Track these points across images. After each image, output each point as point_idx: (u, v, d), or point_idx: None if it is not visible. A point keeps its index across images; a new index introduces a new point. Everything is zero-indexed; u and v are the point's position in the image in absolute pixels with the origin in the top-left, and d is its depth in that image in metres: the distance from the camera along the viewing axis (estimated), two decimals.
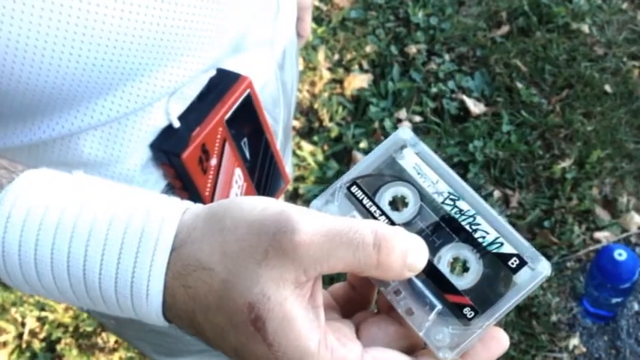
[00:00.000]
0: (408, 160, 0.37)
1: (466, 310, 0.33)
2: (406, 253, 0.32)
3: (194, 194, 0.55)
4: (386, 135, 1.73)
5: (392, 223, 0.35)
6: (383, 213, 0.36)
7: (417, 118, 1.76)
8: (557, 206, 1.59)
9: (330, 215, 0.32)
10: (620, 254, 1.30)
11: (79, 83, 0.46)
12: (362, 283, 0.37)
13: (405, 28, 1.94)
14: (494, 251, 0.34)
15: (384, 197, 0.36)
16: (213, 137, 0.55)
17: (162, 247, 0.32)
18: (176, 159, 0.53)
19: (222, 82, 0.55)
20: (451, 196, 0.35)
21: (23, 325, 1.50)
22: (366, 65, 1.87)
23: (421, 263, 0.33)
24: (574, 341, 1.42)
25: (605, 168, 1.64)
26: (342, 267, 0.31)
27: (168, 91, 0.51)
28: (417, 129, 1.75)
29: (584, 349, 1.41)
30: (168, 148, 0.53)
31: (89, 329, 1.48)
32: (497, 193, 1.63)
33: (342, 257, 0.31)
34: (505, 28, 1.92)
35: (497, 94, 1.78)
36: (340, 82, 1.85)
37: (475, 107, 1.77)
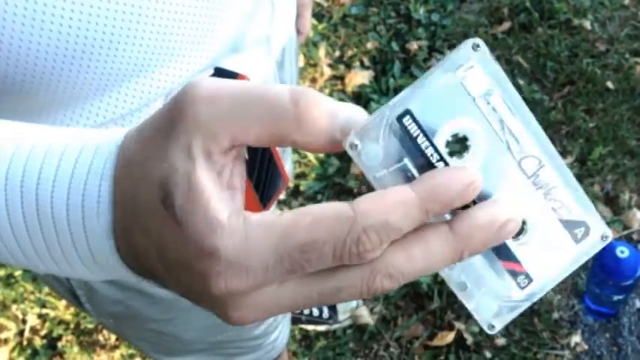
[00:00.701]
0: (478, 85, 0.28)
1: (520, 279, 0.30)
2: (335, 110, 0.26)
3: None
4: None
5: None
6: (441, 158, 0.28)
7: None
8: None
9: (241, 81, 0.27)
10: (622, 251, 1.30)
11: (74, 85, 0.46)
12: None
13: (406, 25, 1.93)
14: (562, 218, 0.30)
15: (443, 136, 0.28)
16: None
17: (109, 157, 0.29)
18: None
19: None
20: (525, 145, 0.29)
21: (24, 322, 1.49)
22: (367, 62, 1.87)
23: (357, 120, 0.27)
24: (576, 339, 1.41)
25: (607, 165, 1.64)
26: (257, 130, 0.26)
27: (164, 91, 0.51)
28: None
29: (585, 347, 1.41)
30: None
31: (90, 326, 1.48)
32: None
33: (255, 114, 0.26)
34: (506, 25, 1.91)
35: None
36: (341, 78, 1.84)
37: None
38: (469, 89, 0.28)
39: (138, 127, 0.29)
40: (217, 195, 0.26)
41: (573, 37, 1.87)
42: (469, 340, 1.42)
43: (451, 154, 0.29)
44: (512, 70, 1.81)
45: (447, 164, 0.28)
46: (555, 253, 0.30)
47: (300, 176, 1.66)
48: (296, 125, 0.26)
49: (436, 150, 0.28)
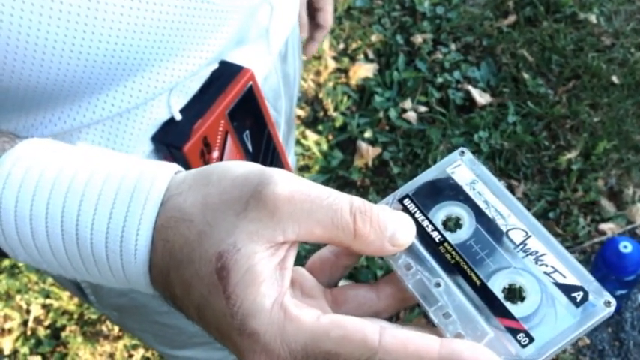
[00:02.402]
0: (464, 177, 0.36)
1: (520, 336, 0.31)
2: (385, 224, 0.31)
3: None
4: (391, 125, 1.73)
5: (445, 241, 0.34)
6: (436, 229, 0.34)
7: (422, 108, 1.75)
8: (563, 198, 1.58)
9: (315, 183, 0.32)
10: (625, 246, 1.30)
11: (81, 79, 0.46)
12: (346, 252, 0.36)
13: (410, 18, 1.92)
14: (557, 282, 0.32)
15: (438, 216, 0.35)
16: (214, 130, 0.54)
17: (152, 200, 0.32)
18: (177, 152, 0.52)
19: (224, 74, 0.55)
20: (510, 219, 0.34)
21: (28, 312, 1.50)
22: (371, 54, 1.87)
23: (404, 236, 0.32)
24: None
25: (611, 159, 1.63)
26: (320, 232, 0.31)
27: (169, 85, 0.51)
28: (422, 119, 1.74)
29: (587, 341, 1.41)
30: (169, 141, 0.53)
31: (94, 317, 1.48)
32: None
33: (321, 221, 0.30)
34: (512, 18, 1.91)
35: (503, 85, 1.77)
36: (345, 71, 1.84)
37: (481, 97, 1.76)
38: (457, 180, 0.36)
39: (196, 184, 0.32)
40: (269, 281, 0.30)
41: (579, 31, 1.87)
42: None
43: (446, 229, 0.34)
44: (516, 63, 1.80)
45: (442, 235, 0.34)
46: (556, 314, 0.31)
47: (303, 169, 1.66)
48: (352, 237, 0.31)
49: (431, 223, 0.34)
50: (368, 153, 1.67)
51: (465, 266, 0.33)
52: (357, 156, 1.67)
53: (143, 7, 0.45)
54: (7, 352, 1.46)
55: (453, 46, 1.86)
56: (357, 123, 1.72)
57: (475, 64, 1.83)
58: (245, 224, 0.30)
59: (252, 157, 0.61)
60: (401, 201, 0.36)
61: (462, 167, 0.36)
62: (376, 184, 1.63)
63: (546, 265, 0.32)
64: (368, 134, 1.71)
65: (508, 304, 0.32)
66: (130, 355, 1.45)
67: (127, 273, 0.33)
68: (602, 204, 1.57)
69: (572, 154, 1.64)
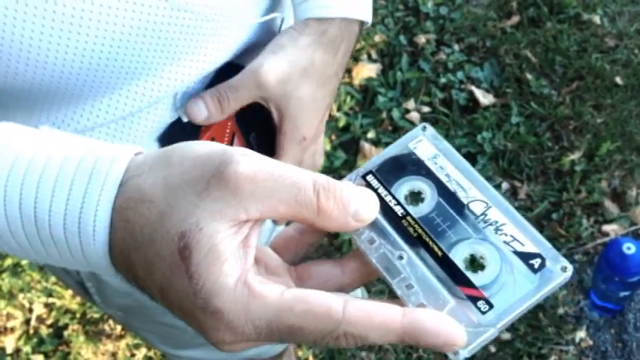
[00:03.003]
0: (426, 152, 0.36)
1: (480, 304, 0.32)
2: (348, 200, 0.31)
3: None
4: (394, 125, 1.72)
5: (408, 214, 0.35)
6: (398, 203, 0.35)
7: (426, 109, 1.75)
8: (566, 199, 1.58)
9: (278, 161, 0.32)
10: (629, 248, 1.30)
11: (84, 82, 0.46)
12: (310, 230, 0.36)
13: (414, 18, 1.92)
14: (516, 250, 0.33)
15: (400, 190, 0.36)
16: (222, 132, 0.54)
17: (111, 181, 0.31)
18: None
19: (230, 74, 0.55)
20: (471, 191, 0.35)
21: (31, 311, 1.50)
22: (374, 55, 1.86)
23: (367, 212, 0.32)
24: (581, 334, 1.41)
25: (614, 161, 1.63)
26: (283, 209, 0.31)
27: (174, 89, 0.51)
28: (425, 119, 1.74)
29: (590, 343, 1.41)
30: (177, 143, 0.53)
31: (96, 316, 1.48)
32: (505, 185, 1.62)
33: (284, 198, 0.30)
34: (515, 19, 1.90)
35: (507, 85, 1.77)
36: (348, 71, 1.84)
37: (484, 98, 1.76)
38: (419, 155, 0.36)
39: (156, 165, 0.32)
40: (232, 260, 0.30)
41: (582, 32, 1.86)
42: None
43: (409, 203, 0.35)
44: (520, 64, 1.80)
45: (405, 209, 0.35)
46: (514, 281, 0.32)
47: None
48: (316, 214, 0.31)
49: (394, 197, 0.35)
50: (371, 153, 1.67)
51: (427, 239, 0.34)
52: (360, 156, 1.67)
53: (146, 10, 0.45)
54: (9, 350, 1.46)
55: (456, 47, 1.86)
56: (360, 123, 1.72)
57: (478, 65, 1.82)
58: (207, 203, 0.30)
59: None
60: (364, 177, 0.36)
61: (423, 142, 0.37)
62: None
63: (506, 235, 0.33)
64: (371, 134, 1.70)
65: (469, 274, 0.32)
66: (133, 355, 1.45)
67: (86, 255, 0.32)
68: (605, 205, 1.57)
69: (575, 155, 1.64)
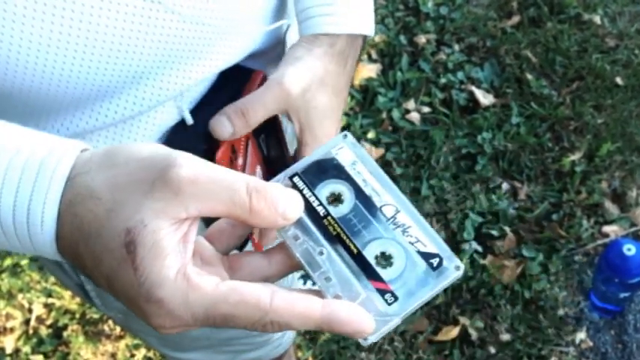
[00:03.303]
0: (346, 158, 0.40)
1: (387, 296, 0.37)
2: (277, 201, 0.35)
3: None
4: (394, 125, 1.72)
5: (329, 214, 0.39)
6: (321, 204, 0.39)
7: (426, 109, 1.75)
8: (566, 199, 1.58)
9: (214, 164, 0.35)
10: (629, 249, 1.29)
11: (84, 87, 0.46)
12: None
13: (414, 18, 1.92)
14: (419, 250, 0.38)
15: (323, 192, 0.40)
16: (238, 137, 0.54)
17: (58, 176, 0.34)
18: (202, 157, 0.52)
19: (235, 76, 0.54)
20: (384, 196, 0.39)
21: (30, 311, 1.50)
22: (374, 55, 1.86)
23: (293, 211, 0.36)
24: (581, 335, 1.41)
25: (614, 161, 1.63)
26: (220, 209, 0.34)
27: (174, 94, 0.51)
28: (425, 120, 1.73)
29: (590, 344, 1.41)
30: (184, 147, 0.53)
31: (96, 316, 1.48)
32: (505, 186, 1.62)
33: (222, 200, 0.34)
34: (516, 19, 1.90)
35: (507, 86, 1.77)
36: None
37: (484, 98, 1.75)
38: (340, 160, 0.40)
39: (103, 164, 0.35)
40: (173, 254, 0.33)
41: (583, 32, 1.86)
42: (473, 335, 1.42)
43: (330, 203, 0.39)
44: (520, 64, 1.80)
45: (326, 209, 0.39)
46: (416, 277, 0.37)
47: None
48: (248, 213, 0.34)
49: (317, 198, 0.39)
50: (371, 153, 1.67)
51: (345, 237, 0.38)
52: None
53: (146, 14, 0.45)
54: (8, 351, 1.46)
55: (456, 47, 1.86)
56: (360, 123, 1.72)
57: (479, 65, 1.82)
58: (151, 203, 0.33)
59: (268, 160, 0.60)
60: (291, 178, 0.40)
61: (344, 149, 0.40)
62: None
63: (411, 236, 0.38)
64: (371, 135, 1.70)
65: (379, 269, 0.37)
66: (132, 355, 1.45)
67: (34, 242, 0.35)
68: (605, 206, 1.57)
69: (575, 156, 1.64)
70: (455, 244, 1.51)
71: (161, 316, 0.34)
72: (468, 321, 1.43)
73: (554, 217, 1.56)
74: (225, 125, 0.51)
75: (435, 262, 0.37)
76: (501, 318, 1.43)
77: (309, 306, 0.34)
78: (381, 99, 1.75)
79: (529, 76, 1.77)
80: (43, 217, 0.34)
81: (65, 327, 1.48)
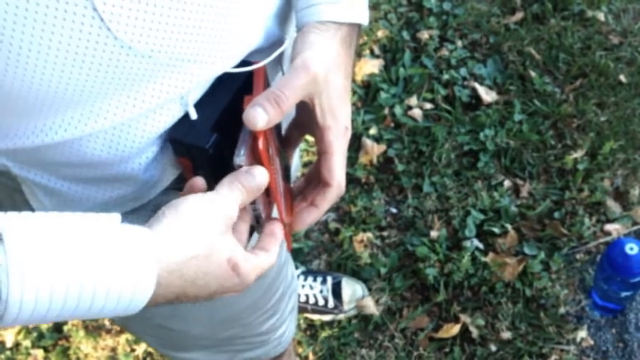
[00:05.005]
0: None
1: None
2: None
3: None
4: (396, 122, 1.72)
5: None
6: None
7: (428, 105, 1.74)
8: (568, 197, 1.57)
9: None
10: (632, 248, 1.29)
11: (83, 88, 0.46)
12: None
13: (417, 13, 1.91)
14: None
15: None
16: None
17: (148, 292, 0.46)
18: (198, 151, 0.52)
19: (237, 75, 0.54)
20: None
21: None
22: (377, 50, 1.85)
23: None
24: (582, 334, 1.41)
25: (617, 159, 1.62)
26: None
27: (174, 96, 0.51)
28: (427, 116, 1.73)
29: (591, 342, 1.40)
30: (191, 142, 0.53)
31: None
32: (507, 183, 1.61)
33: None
34: (519, 15, 1.89)
35: (510, 82, 1.76)
36: None
37: (487, 95, 1.75)
38: None
39: (176, 254, 0.47)
40: (246, 256, 0.51)
41: (586, 29, 1.85)
42: (474, 333, 1.41)
43: None
44: (523, 61, 1.79)
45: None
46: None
47: (308, 165, 1.65)
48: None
49: None
50: (373, 150, 1.66)
51: None
52: (362, 153, 1.66)
53: (149, 18, 0.45)
54: (9, 344, 1.46)
55: (459, 43, 1.85)
56: (362, 119, 1.71)
57: (481, 62, 1.81)
58: (226, 238, 0.50)
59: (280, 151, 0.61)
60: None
61: None
62: (381, 180, 1.62)
63: None
64: (373, 131, 1.70)
65: None
66: (132, 350, 1.45)
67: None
68: (607, 204, 1.56)
69: (578, 154, 1.63)
70: (456, 241, 1.51)
71: (249, 274, 0.51)
72: (469, 318, 1.43)
73: (556, 214, 1.55)
74: (261, 115, 0.51)
75: None
76: (502, 316, 1.43)
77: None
78: (383, 95, 1.74)
79: (532, 73, 1.76)
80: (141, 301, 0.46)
81: (65, 321, 1.48)
